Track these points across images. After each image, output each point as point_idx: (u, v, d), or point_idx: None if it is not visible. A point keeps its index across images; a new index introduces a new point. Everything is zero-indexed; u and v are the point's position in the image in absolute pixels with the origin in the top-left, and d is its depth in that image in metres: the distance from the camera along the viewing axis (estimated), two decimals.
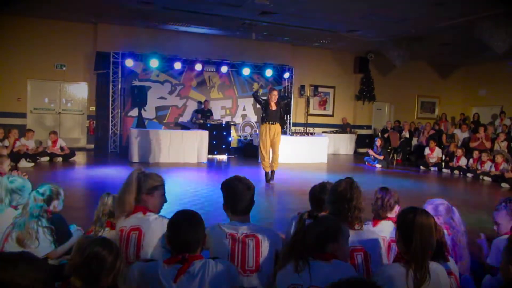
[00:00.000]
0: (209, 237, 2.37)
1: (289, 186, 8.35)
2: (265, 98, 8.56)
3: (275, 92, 8.27)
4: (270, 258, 2.52)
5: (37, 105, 13.01)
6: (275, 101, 8.17)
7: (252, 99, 14.82)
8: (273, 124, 8.17)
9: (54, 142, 10.76)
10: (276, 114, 8.22)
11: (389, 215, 3.03)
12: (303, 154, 12.10)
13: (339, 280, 1.50)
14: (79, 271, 1.89)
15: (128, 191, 2.71)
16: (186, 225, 2.16)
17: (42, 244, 3.03)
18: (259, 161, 11.61)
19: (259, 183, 8.08)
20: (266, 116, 8.18)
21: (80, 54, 13.02)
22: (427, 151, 12.33)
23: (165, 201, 2.88)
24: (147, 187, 2.75)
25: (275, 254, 2.56)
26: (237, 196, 2.61)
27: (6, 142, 9.62)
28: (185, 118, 13.91)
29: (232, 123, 13.35)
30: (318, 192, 3.06)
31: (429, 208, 2.95)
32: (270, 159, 8.38)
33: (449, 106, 18.09)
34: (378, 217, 3.02)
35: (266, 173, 8.43)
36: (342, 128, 16.17)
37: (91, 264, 1.88)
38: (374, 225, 2.95)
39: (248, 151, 13.59)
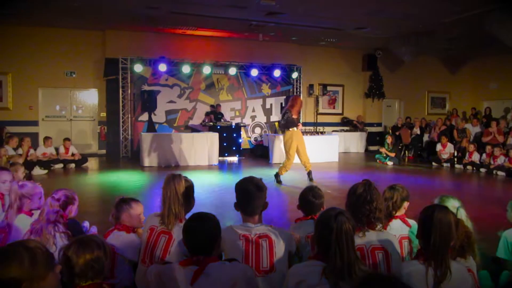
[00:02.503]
0: (222, 239, 2.39)
1: (301, 186, 8.32)
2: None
3: (300, 100, 8.80)
4: (284, 258, 2.54)
5: (49, 112, 13.18)
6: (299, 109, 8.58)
7: (261, 100, 14.85)
8: (296, 129, 8.39)
9: (67, 149, 10.91)
10: (297, 121, 8.51)
11: (398, 213, 3.05)
12: (314, 154, 12.03)
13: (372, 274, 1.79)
14: (86, 277, 1.97)
15: (180, 202, 2.82)
16: (201, 227, 2.19)
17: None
18: (270, 162, 11.69)
19: (270, 184, 8.08)
20: (290, 123, 8.29)
21: (89, 61, 13.16)
22: (439, 147, 12.22)
23: None
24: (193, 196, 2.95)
25: (288, 253, 2.58)
26: (248, 197, 2.63)
27: (20, 151, 9.76)
28: (195, 121, 13.96)
29: (242, 125, 13.37)
30: (307, 195, 3.17)
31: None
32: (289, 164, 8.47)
33: (460, 101, 17.91)
34: (388, 217, 3.00)
35: (277, 174, 8.46)
36: (352, 125, 16.06)
37: (93, 268, 1.97)
38: (385, 227, 2.93)
39: (259, 152, 13.61)
